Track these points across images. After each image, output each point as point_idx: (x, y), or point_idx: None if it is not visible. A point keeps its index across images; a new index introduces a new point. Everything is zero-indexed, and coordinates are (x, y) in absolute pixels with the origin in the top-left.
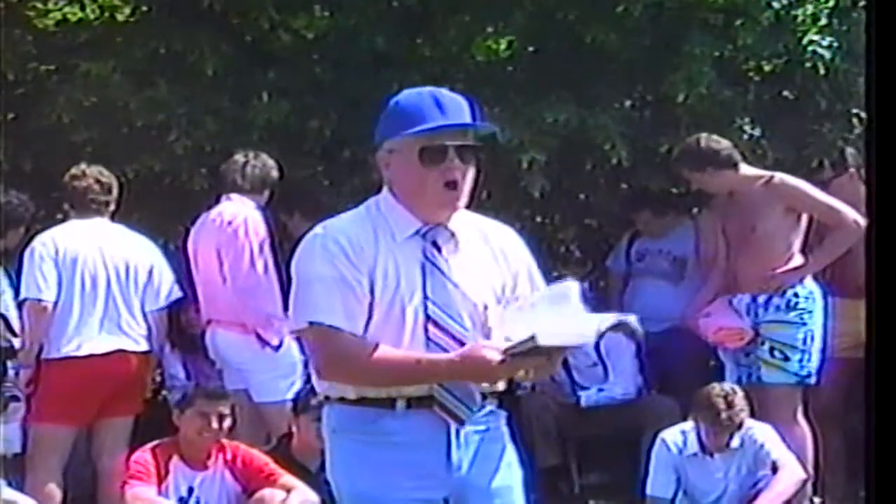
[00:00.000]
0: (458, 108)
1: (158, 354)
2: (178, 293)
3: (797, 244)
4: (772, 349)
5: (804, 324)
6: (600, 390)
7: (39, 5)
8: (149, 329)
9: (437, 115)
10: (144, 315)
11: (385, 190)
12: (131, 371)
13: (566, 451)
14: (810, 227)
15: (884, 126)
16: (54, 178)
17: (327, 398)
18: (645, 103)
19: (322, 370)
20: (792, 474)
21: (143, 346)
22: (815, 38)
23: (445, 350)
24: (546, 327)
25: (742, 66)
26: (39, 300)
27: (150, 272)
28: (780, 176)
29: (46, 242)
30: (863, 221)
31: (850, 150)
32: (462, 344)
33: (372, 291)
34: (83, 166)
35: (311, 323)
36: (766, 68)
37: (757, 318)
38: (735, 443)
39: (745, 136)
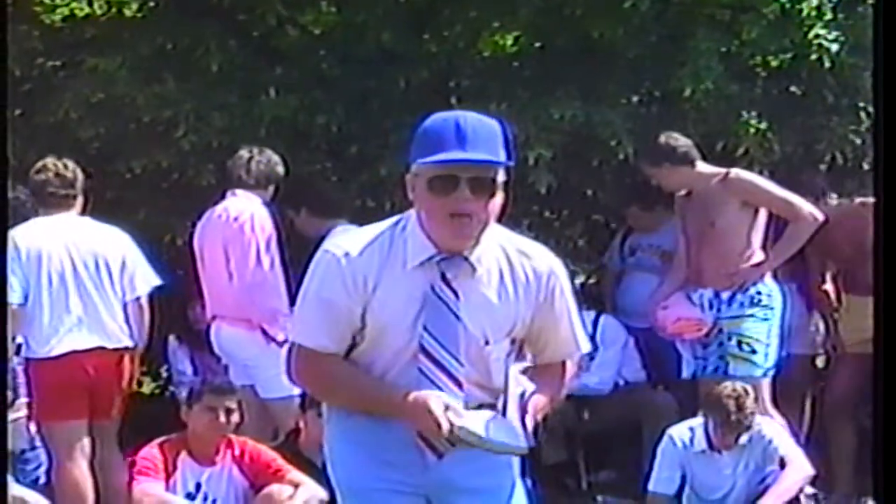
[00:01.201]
0: (482, 137)
1: (142, 348)
2: (156, 282)
3: (757, 239)
4: (740, 342)
5: (766, 319)
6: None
7: (47, 1)
8: (128, 322)
9: (453, 146)
10: (124, 308)
11: (412, 211)
12: (113, 367)
13: (573, 447)
14: (771, 223)
15: (891, 120)
16: None
17: None
18: (651, 99)
19: (294, 377)
20: (799, 470)
21: (125, 342)
22: (821, 32)
23: (436, 383)
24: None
25: (748, 61)
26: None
27: (123, 263)
28: (736, 171)
29: (8, 243)
30: (819, 215)
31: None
32: (455, 379)
33: (363, 319)
34: (48, 159)
35: (296, 342)
36: (773, 63)
37: (720, 313)
38: (743, 440)
39: (752, 131)
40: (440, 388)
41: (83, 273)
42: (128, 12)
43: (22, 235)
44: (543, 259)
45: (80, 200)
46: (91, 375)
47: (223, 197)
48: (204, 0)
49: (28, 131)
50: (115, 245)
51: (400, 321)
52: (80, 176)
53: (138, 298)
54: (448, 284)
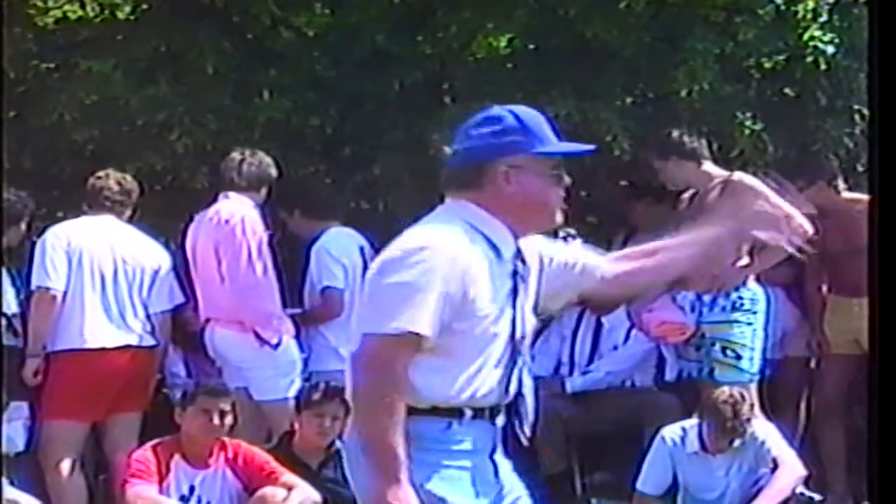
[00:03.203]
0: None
1: (162, 351)
2: (180, 298)
3: (746, 244)
4: (724, 349)
5: (750, 324)
6: (583, 373)
7: (40, 3)
8: (153, 327)
9: (554, 137)
10: (148, 315)
11: (470, 205)
12: (139, 366)
13: (570, 451)
14: None
15: (885, 122)
16: (55, 176)
17: None
18: (646, 100)
19: (372, 362)
20: (792, 471)
21: (150, 341)
22: (816, 34)
23: (525, 360)
24: None
25: (743, 62)
26: (48, 289)
27: (156, 274)
28: (739, 174)
29: (59, 234)
30: (810, 228)
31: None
32: (525, 355)
33: (460, 307)
34: (110, 170)
35: (408, 332)
36: (767, 65)
37: (701, 316)
38: (736, 443)
39: (747, 132)
40: (525, 364)
41: (121, 275)
42: (121, 14)
43: (69, 229)
44: (528, 244)
45: (128, 212)
46: (117, 373)
47: (215, 199)
48: (197, 2)
49: (22, 133)
50: (154, 257)
51: (501, 307)
52: (137, 190)
53: (166, 311)
54: (525, 265)
